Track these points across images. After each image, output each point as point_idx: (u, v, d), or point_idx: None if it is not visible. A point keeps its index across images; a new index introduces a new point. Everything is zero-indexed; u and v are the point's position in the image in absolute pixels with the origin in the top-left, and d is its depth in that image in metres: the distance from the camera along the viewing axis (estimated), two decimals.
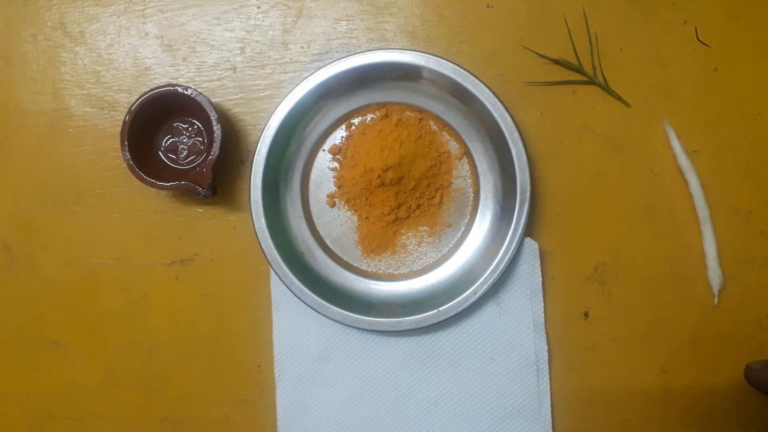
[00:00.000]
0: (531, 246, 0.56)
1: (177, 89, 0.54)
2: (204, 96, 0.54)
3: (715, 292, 0.56)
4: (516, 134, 0.54)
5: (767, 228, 0.57)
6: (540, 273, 0.56)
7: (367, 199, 0.57)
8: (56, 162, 0.59)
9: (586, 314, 0.57)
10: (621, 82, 0.57)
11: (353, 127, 0.58)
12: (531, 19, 0.58)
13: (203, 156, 0.57)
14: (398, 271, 0.58)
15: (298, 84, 0.55)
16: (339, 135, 0.58)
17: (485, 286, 0.54)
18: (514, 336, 0.56)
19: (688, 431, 0.56)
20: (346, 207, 0.58)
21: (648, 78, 0.57)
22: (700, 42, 0.57)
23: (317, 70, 0.55)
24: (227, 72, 0.59)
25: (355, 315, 0.54)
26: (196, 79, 0.59)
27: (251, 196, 0.55)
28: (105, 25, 0.59)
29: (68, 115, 0.59)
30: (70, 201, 0.59)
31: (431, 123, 0.58)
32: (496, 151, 0.56)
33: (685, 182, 0.56)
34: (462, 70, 0.54)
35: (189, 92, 0.54)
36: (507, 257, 0.54)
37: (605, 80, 0.57)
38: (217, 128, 0.53)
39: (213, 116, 0.54)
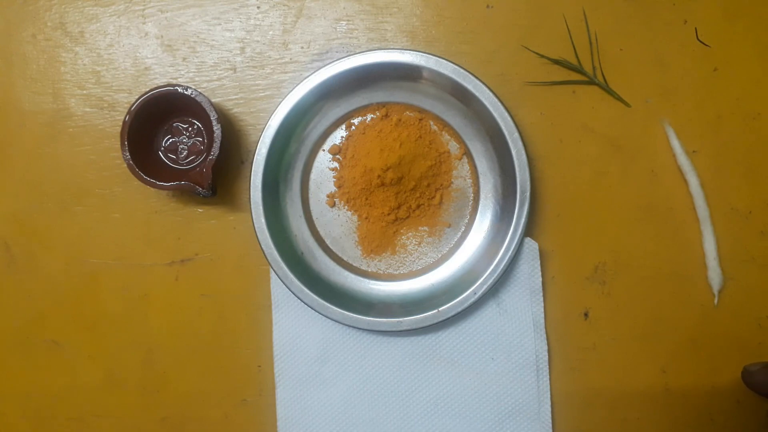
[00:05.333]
0: (531, 246, 0.56)
1: (177, 89, 0.54)
2: (204, 96, 0.54)
3: (715, 292, 0.56)
4: (516, 134, 0.54)
5: (767, 228, 0.57)
6: (540, 273, 0.56)
7: (367, 199, 0.57)
8: (56, 162, 0.59)
9: (585, 314, 0.57)
10: (621, 82, 0.57)
11: (353, 127, 0.58)
12: (531, 19, 0.58)
13: (203, 156, 0.57)
14: (398, 271, 0.58)
15: (298, 84, 0.55)
16: (339, 135, 0.58)
17: (485, 286, 0.54)
18: (514, 336, 0.56)
19: (688, 431, 0.56)
20: (346, 207, 0.58)
21: (648, 78, 0.57)
22: (700, 42, 0.57)
23: (317, 70, 0.55)
24: (227, 72, 0.59)
25: (355, 315, 0.54)
26: (196, 79, 0.59)
27: (251, 196, 0.55)
28: (105, 25, 0.59)
29: (68, 115, 0.59)
30: (70, 201, 0.59)
31: (431, 123, 0.57)
32: (496, 151, 0.56)
33: (685, 182, 0.56)
34: (462, 70, 0.54)
35: (189, 92, 0.54)
36: (507, 257, 0.54)
37: (605, 80, 0.57)
38: (217, 128, 0.53)
39: (213, 116, 0.54)
